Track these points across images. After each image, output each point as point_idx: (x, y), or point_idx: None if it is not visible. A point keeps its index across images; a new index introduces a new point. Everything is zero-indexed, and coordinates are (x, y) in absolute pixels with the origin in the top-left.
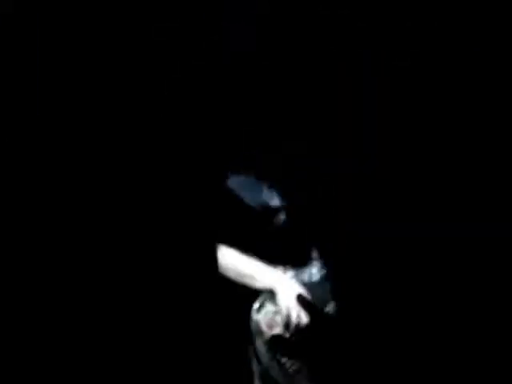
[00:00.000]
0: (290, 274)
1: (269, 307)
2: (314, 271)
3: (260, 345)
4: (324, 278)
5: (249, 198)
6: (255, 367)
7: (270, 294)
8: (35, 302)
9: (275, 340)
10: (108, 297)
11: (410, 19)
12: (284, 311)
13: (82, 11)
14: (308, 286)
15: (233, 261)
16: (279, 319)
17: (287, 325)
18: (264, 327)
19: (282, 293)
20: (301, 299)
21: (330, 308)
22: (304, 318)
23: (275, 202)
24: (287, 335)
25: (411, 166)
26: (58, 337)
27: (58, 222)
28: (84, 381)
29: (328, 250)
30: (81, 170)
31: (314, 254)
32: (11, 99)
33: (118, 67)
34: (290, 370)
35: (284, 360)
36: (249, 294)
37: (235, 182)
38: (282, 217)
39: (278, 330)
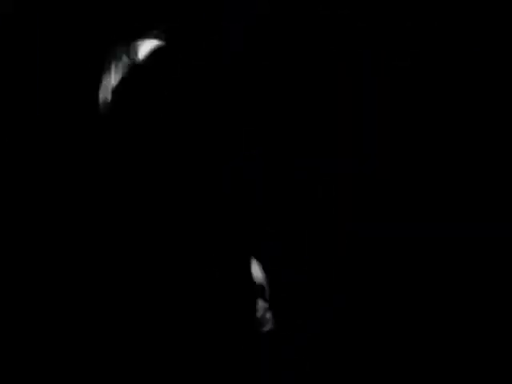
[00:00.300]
0: None
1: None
2: None
3: None
4: None
5: None
6: None
7: None
8: (35, 301)
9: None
10: (108, 297)
11: (410, 19)
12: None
13: (82, 11)
14: None
15: None
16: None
17: None
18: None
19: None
20: None
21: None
22: None
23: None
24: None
25: (411, 166)
26: (58, 337)
27: (58, 222)
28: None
29: (328, 250)
30: (80, 170)
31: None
32: (11, 99)
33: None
34: None
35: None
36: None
37: None
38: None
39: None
